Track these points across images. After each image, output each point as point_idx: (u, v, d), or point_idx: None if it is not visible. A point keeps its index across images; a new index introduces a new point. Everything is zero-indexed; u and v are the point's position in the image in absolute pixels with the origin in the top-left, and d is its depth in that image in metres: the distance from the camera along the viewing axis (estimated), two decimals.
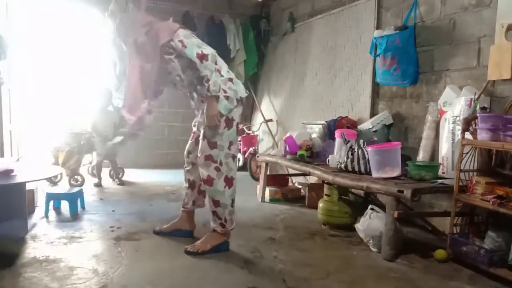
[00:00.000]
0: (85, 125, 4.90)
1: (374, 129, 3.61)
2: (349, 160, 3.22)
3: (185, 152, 2.94)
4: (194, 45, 2.48)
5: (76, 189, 3.71)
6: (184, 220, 3.01)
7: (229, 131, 2.59)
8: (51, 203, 3.54)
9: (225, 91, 2.52)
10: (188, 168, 2.94)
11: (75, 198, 3.55)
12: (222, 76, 2.52)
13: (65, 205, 3.60)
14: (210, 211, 2.69)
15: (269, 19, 6.36)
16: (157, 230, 3.05)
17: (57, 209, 3.62)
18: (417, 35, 3.41)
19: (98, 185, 4.73)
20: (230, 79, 2.59)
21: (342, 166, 3.27)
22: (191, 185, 2.95)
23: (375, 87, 3.99)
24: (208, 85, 2.44)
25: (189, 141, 2.92)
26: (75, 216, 3.42)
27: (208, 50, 2.50)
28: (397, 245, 2.68)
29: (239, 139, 6.09)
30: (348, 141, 3.31)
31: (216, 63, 2.48)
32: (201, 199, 2.98)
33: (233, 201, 2.68)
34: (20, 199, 2.90)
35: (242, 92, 2.62)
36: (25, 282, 2.16)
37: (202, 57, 2.45)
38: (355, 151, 3.21)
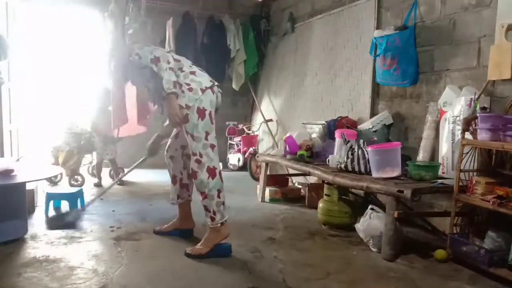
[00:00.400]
0: (85, 125, 4.90)
1: (374, 129, 3.60)
2: (349, 160, 3.22)
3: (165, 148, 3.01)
4: (147, 52, 2.59)
5: (76, 189, 3.71)
6: (182, 219, 3.02)
7: (203, 121, 2.60)
8: (51, 203, 3.54)
9: (188, 84, 2.58)
10: (168, 162, 3.01)
11: (75, 198, 3.55)
12: (183, 71, 2.62)
13: (65, 205, 3.60)
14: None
15: (269, 19, 6.36)
16: (157, 230, 3.05)
17: (57, 209, 3.62)
18: (417, 35, 3.41)
19: (98, 185, 4.73)
20: (192, 72, 2.65)
21: (342, 166, 3.27)
22: (173, 179, 3.00)
23: (375, 87, 3.99)
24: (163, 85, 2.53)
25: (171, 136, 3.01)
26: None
27: (159, 52, 2.60)
28: (397, 245, 2.68)
29: (239, 138, 6.10)
30: (348, 141, 3.31)
31: (168, 62, 2.54)
32: (185, 192, 3.00)
33: (219, 191, 2.63)
34: (20, 199, 2.90)
35: (207, 82, 2.66)
36: (25, 282, 2.16)
37: (156, 60, 2.54)
38: (355, 151, 3.21)
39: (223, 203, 2.66)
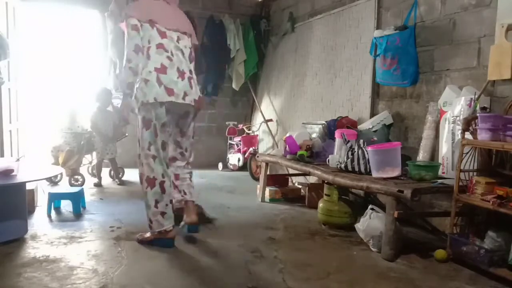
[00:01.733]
0: (85, 125, 4.90)
1: (374, 129, 3.60)
2: (349, 160, 3.22)
3: None
4: (129, 39, 2.56)
5: (77, 189, 3.75)
6: (185, 214, 2.95)
7: (147, 131, 2.61)
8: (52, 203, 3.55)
9: (136, 90, 2.61)
10: None
11: (78, 198, 3.60)
12: (141, 74, 2.59)
13: (64, 205, 3.63)
14: None
15: (269, 19, 6.36)
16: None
17: (57, 209, 3.63)
18: (417, 35, 3.41)
19: (98, 185, 4.73)
20: (146, 80, 2.59)
21: (342, 166, 3.27)
22: None
23: (375, 87, 3.99)
24: None
25: None
26: (78, 215, 3.47)
27: (130, 45, 2.55)
28: (397, 245, 2.68)
29: (239, 138, 6.10)
30: (348, 141, 3.31)
31: (129, 61, 2.53)
32: (177, 193, 2.98)
33: (157, 201, 2.67)
34: (20, 199, 2.90)
35: (151, 97, 2.57)
36: (25, 282, 2.16)
37: (125, 54, 2.56)
38: (355, 151, 3.22)
39: (162, 213, 2.68)
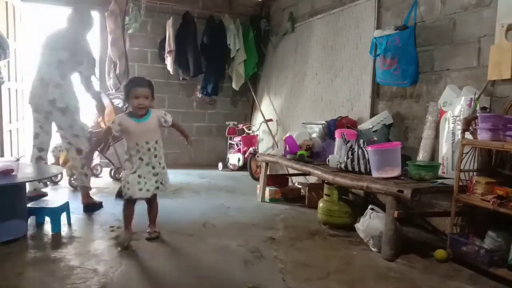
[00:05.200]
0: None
1: (374, 129, 3.60)
2: (349, 160, 3.22)
3: None
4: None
5: (59, 203, 3.17)
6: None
7: None
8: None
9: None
10: None
11: (58, 214, 3.06)
12: None
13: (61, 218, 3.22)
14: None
15: (269, 19, 6.36)
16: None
17: (40, 225, 3.12)
18: (417, 35, 3.41)
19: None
20: None
21: (342, 166, 3.27)
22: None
23: (375, 87, 3.99)
24: None
25: None
26: (57, 236, 2.94)
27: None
28: (397, 245, 2.68)
29: (239, 138, 6.10)
30: (348, 141, 3.31)
31: None
32: None
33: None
34: (20, 199, 2.90)
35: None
36: (25, 282, 2.16)
37: None
38: (355, 151, 3.22)
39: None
